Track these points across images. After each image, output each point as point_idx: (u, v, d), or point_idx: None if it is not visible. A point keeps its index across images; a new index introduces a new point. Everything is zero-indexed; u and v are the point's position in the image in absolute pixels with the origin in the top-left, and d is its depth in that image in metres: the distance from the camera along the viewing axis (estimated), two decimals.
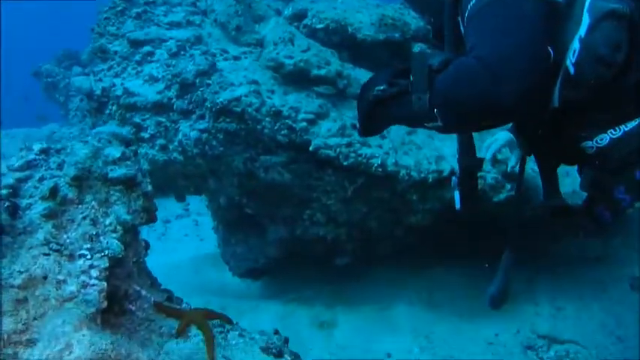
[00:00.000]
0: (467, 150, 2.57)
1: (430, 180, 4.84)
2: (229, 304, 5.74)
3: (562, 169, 2.50)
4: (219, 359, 2.45)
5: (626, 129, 1.95)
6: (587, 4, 1.91)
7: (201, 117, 5.31)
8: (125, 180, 2.52)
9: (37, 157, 2.44)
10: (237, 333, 2.69)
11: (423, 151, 5.02)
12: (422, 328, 5.31)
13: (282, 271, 6.40)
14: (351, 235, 5.53)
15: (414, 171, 4.83)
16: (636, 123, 1.94)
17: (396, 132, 5.04)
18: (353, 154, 4.80)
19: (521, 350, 4.91)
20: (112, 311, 2.29)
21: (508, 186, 4.80)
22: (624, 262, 5.45)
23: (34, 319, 2.00)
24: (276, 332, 2.81)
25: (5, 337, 1.92)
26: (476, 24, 1.87)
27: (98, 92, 5.74)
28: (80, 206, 2.37)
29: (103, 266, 2.21)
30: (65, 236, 2.25)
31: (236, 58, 5.66)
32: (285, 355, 2.65)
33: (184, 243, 8.53)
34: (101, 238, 2.32)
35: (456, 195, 2.60)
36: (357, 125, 2.23)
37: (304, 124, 4.88)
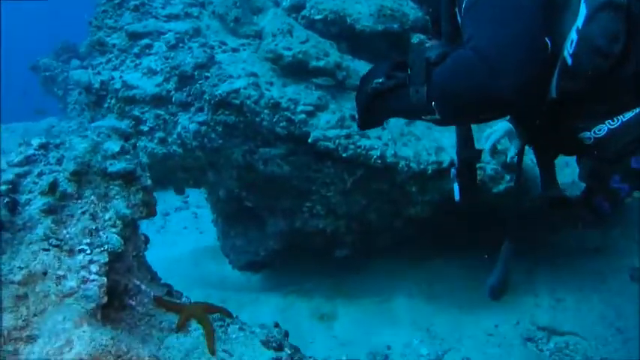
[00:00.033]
0: (465, 141, 2.58)
1: (429, 171, 4.83)
2: (229, 297, 5.75)
3: (561, 160, 2.49)
4: (219, 353, 2.46)
5: (624, 119, 1.95)
6: None
7: (200, 109, 5.30)
8: (124, 174, 2.53)
9: (36, 152, 2.44)
10: (237, 327, 2.70)
11: (422, 142, 5.00)
12: (422, 320, 5.31)
13: (282, 264, 6.40)
14: (351, 227, 5.53)
15: (413, 162, 4.82)
16: (634, 113, 1.94)
17: (395, 123, 5.02)
18: (352, 146, 4.79)
19: (521, 342, 4.91)
20: (112, 306, 2.30)
21: (507, 177, 4.79)
22: (623, 253, 5.44)
23: (35, 315, 2.00)
24: (277, 325, 2.82)
25: (5, 333, 1.92)
26: (473, 15, 1.86)
27: (97, 85, 5.72)
28: (79, 201, 2.37)
29: (102, 261, 2.21)
30: (65, 231, 2.25)
31: (234, 50, 5.64)
32: (286, 349, 2.65)
33: (184, 236, 8.52)
34: (101, 232, 2.32)
35: (455, 187, 2.61)
36: (356, 117, 2.23)
37: (303, 115, 4.87)
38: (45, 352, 1.91)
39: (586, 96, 1.96)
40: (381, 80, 1.99)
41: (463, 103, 1.78)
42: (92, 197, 2.40)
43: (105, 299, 2.14)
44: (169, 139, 5.52)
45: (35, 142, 2.47)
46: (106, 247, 2.26)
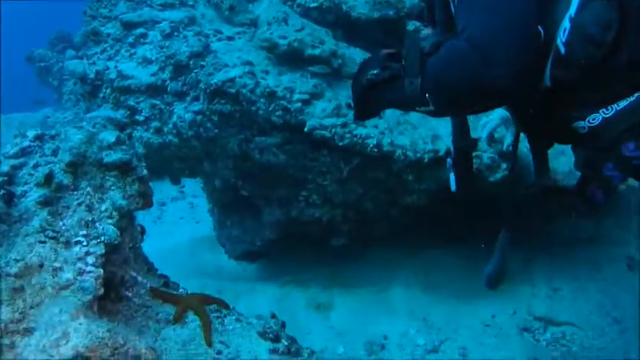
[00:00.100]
0: (461, 131, 2.58)
1: (426, 160, 4.82)
2: (226, 287, 5.76)
3: (557, 148, 2.49)
4: (216, 345, 2.46)
5: (618, 108, 1.94)
6: None
7: (196, 99, 5.28)
8: (120, 165, 2.52)
9: (32, 143, 2.44)
10: (234, 318, 2.70)
11: (419, 131, 5.00)
12: (418, 309, 5.32)
13: (278, 254, 6.40)
14: (347, 216, 5.53)
15: (409, 151, 4.82)
16: (628, 102, 1.94)
17: (392, 111, 5.01)
18: (348, 135, 4.78)
19: (518, 332, 4.91)
20: (109, 298, 2.30)
21: (504, 165, 4.77)
22: (618, 243, 5.44)
23: (31, 307, 2.00)
24: (274, 316, 2.82)
25: (2, 326, 1.92)
26: (466, 4, 1.87)
27: (92, 75, 5.71)
28: (75, 192, 2.37)
29: (99, 253, 2.21)
30: (61, 223, 2.25)
31: (230, 39, 5.62)
32: (282, 340, 2.66)
33: (180, 226, 8.53)
34: (97, 224, 2.32)
35: (452, 177, 2.61)
36: (353, 107, 2.23)
37: (299, 104, 4.85)
38: (42, 344, 1.91)
39: (579, 85, 1.96)
40: (375, 71, 1.98)
41: (457, 93, 1.78)
42: (88, 188, 2.40)
43: (101, 291, 2.14)
44: (165, 129, 5.51)
45: (30, 133, 2.47)
46: (102, 238, 2.26)
